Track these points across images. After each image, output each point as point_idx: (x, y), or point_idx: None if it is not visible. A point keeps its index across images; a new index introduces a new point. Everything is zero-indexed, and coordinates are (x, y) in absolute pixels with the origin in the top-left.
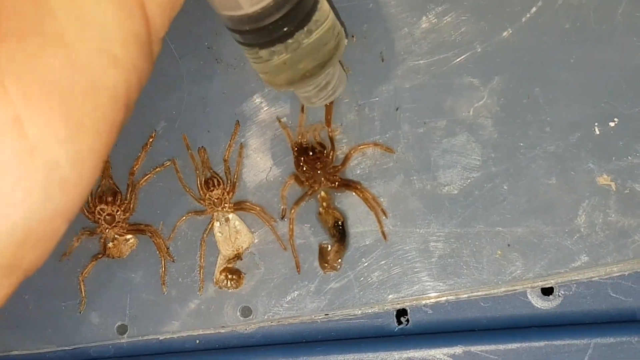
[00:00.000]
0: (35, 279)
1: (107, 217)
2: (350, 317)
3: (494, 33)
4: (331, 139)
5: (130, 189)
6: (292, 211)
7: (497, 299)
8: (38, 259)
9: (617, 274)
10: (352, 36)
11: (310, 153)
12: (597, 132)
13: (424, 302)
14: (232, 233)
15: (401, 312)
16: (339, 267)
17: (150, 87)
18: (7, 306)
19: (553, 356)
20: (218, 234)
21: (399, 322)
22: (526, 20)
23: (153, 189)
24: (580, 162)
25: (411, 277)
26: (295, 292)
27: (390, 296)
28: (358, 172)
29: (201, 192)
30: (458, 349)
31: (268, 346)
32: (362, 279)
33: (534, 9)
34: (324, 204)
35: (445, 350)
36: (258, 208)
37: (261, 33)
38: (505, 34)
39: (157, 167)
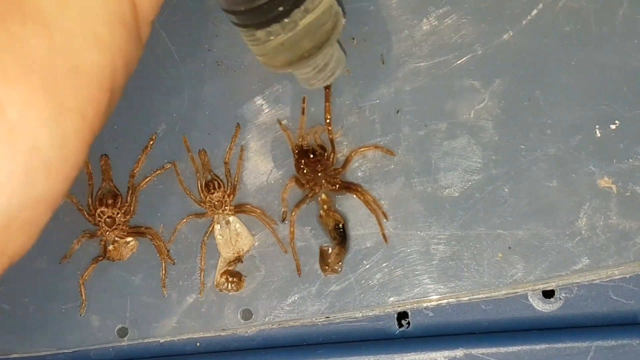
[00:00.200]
0: (36, 282)
1: (107, 219)
2: (351, 319)
3: (495, 35)
4: (332, 142)
5: (130, 192)
6: (293, 214)
7: (498, 301)
8: (22, 245)
9: (619, 277)
10: (353, 38)
11: (311, 155)
12: (598, 135)
13: (425, 304)
14: (232, 236)
15: (402, 315)
16: (339, 269)
17: (150, 89)
18: (8, 309)
19: (554, 359)
20: (219, 236)
21: (400, 325)
22: (527, 23)
23: (153, 191)
24: (581, 164)
25: (412, 280)
26: (296, 294)
27: (391, 299)
28: (359, 174)
29: (202, 194)
30: (459, 352)
31: (269, 349)
32: (363, 281)
33: (534, 12)
34: (325, 206)
35: (446, 353)
36: (259, 211)
37: (256, 13)
38: (505, 36)
39: (157, 170)
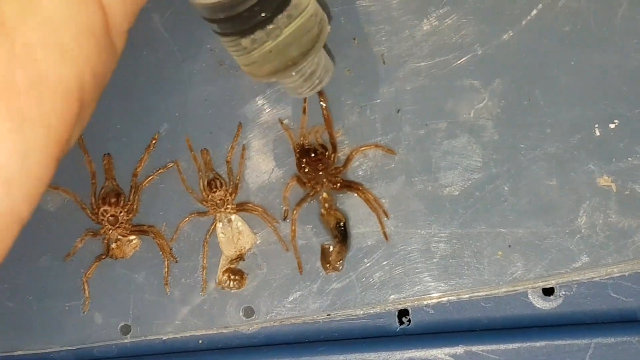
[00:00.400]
0: (39, 280)
1: (110, 218)
2: (352, 317)
3: (495, 35)
4: (332, 141)
5: (133, 191)
6: (294, 212)
7: (498, 299)
8: None
9: (618, 275)
10: (354, 38)
11: (312, 154)
12: (598, 134)
13: (425, 302)
14: (234, 234)
15: (403, 313)
16: (340, 267)
17: (153, 89)
18: (12, 306)
19: (554, 356)
20: (221, 234)
21: (401, 322)
22: (527, 23)
23: (156, 190)
24: (580, 163)
25: (413, 278)
26: (298, 292)
27: (392, 296)
28: (360, 173)
29: (204, 193)
30: (459, 349)
31: (270, 346)
32: (364, 279)
33: (534, 12)
34: (326, 205)
35: (447, 350)
36: (260, 209)
37: (238, 20)
38: (505, 36)
39: (160, 169)
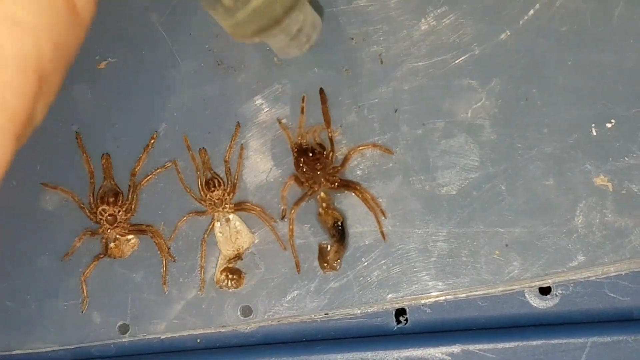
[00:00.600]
0: (38, 279)
1: (108, 217)
2: (350, 316)
3: (492, 35)
4: (331, 140)
5: (131, 190)
6: (292, 211)
7: (495, 298)
8: None
9: (614, 274)
10: (352, 38)
11: (310, 154)
12: (594, 134)
13: (422, 301)
14: (232, 233)
15: (400, 312)
16: (338, 267)
17: (151, 88)
18: (10, 306)
19: (551, 355)
20: (219, 234)
21: (398, 322)
22: (524, 23)
23: (154, 189)
24: (577, 163)
25: (410, 277)
26: (295, 291)
27: (389, 296)
28: (357, 172)
29: (202, 192)
30: (456, 348)
31: (268, 345)
32: (361, 278)
33: (531, 12)
34: (324, 204)
35: (444, 349)
36: (258, 208)
37: None
38: (503, 36)
39: (158, 168)
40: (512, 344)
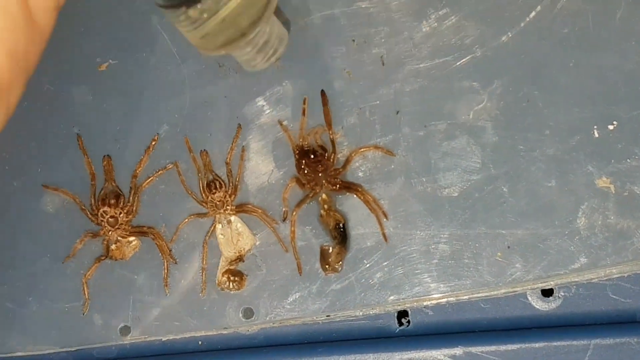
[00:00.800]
0: (39, 281)
1: (110, 219)
2: (352, 318)
3: (494, 37)
4: (332, 142)
5: (133, 192)
6: (294, 213)
7: (498, 300)
8: None
9: (617, 276)
10: (353, 40)
11: (312, 156)
12: (596, 135)
13: (424, 303)
14: (234, 235)
15: (402, 314)
16: (340, 268)
17: (152, 90)
18: (11, 308)
19: (553, 357)
20: (220, 236)
21: (400, 323)
22: (525, 25)
23: (156, 191)
24: (579, 164)
25: (412, 279)
26: (297, 293)
27: (391, 297)
28: (359, 174)
29: (203, 194)
30: (458, 350)
31: (270, 347)
32: (363, 280)
33: (533, 14)
34: (325, 206)
35: (446, 351)
36: (260, 210)
37: None
38: (504, 38)
39: (159, 170)
40: (514, 346)
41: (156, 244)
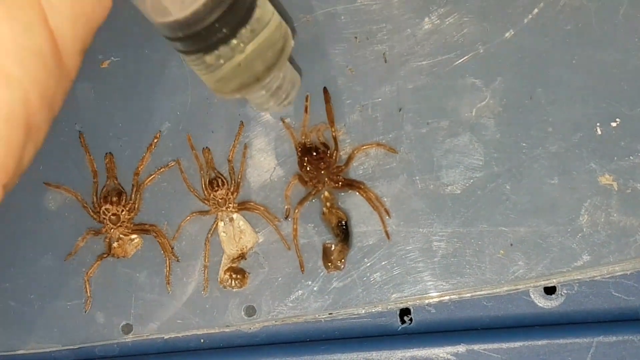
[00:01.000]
0: (41, 279)
1: (112, 217)
2: (354, 316)
3: (496, 34)
4: (335, 139)
5: (135, 189)
6: (296, 211)
7: (500, 298)
8: None
9: (620, 273)
10: (355, 37)
11: (314, 153)
12: (599, 132)
13: (427, 301)
14: (236, 233)
15: (404, 311)
16: (342, 266)
17: (154, 88)
18: (13, 305)
19: (555, 355)
20: (222, 233)
21: (402, 321)
22: (528, 22)
23: (158, 189)
24: (582, 162)
25: (414, 277)
26: (299, 291)
27: (393, 295)
28: (361, 172)
29: (205, 192)
30: (461, 348)
31: (272, 345)
32: (365, 278)
33: (535, 10)
34: (328, 203)
35: (449, 349)
36: (262, 208)
37: (200, 38)
38: (507, 35)
39: (161, 168)
40: (517, 344)
41: (158, 241)
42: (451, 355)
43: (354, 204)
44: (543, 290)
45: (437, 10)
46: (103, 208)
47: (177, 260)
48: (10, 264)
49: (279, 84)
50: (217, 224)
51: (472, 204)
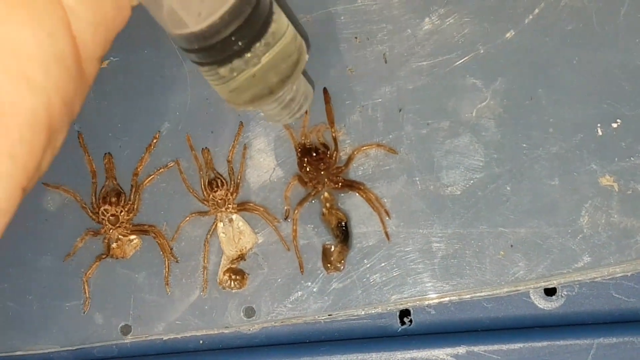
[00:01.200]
0: (40, 279)
1: (111, 217)
2: (354, 317)
3: (497, 34)
4: (334, 140)
5: (134, 190)
6: (296, 212)
7: (500, 299)
8: None
9: (620, 275)
10: (356, 37)
11: (314, 154)
12: (600, 133)
13: (426, 302)
14: (235, 234)
15: (404, 313)
16: (342, 267)
17: (154, 88)
18: (12, 306)
19: (556, 356)
20: (222, 234)
21: (402, 323)
22: (529, 22)
23: (157, 189)
24: (583, 163)
25: (414, 278)
26: (299, 292)
27: (393, 296)
28: (361, 173)
29: (205, 192)
30: (461, 349)
31: (271, 346)
32: (365, 279)
33: (536, 11)
34: (328, 204)
35: (448, 350)
36: (262, 209)
37: (215, 50)
38: (508, 35)
39: (160, 168)
40: (517, 345)
41: (157, 242)
42: (451, 356)
43: (353, 204)
44: (543, 292)
45: (437, 10)
46: (102, 209)
47: (176, 261)
48: (9, 265)
49: (292, 97)
50: (216, 224)
51: (473, 205)
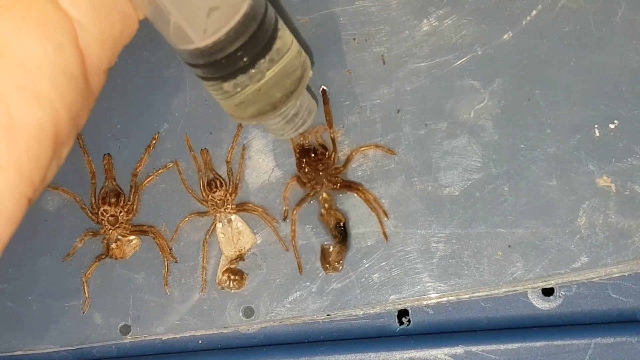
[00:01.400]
0: (39, 280)
1: (110, 218)
2: (352, 317)
3: (495, 36)
4: (333, 141)
5: (133, 191)
6: (294, 212)
7: (498, 299)
8: None
9: (617, 275)
10: (354, 39)
11: (312, 155)
12: (597, 134)
13: (425, 302)
14: (234, 234)
15: (402, 313)
16: (340, 267)
17: (153, 89)
18: (11, 306)
19: (553, 356)
20: (220, 235)
21: (401, 323)
22: (526, 23)
23: (156, 190)
24: (580, 163)
25: (412, 278)
26: (297, 292)
27: (391, 297)
28: (359, 173)
29: (204, 193)
30: (459, 349)
31: (270, 346)
32: (363, 279)
33: (534, 12)
34: (326, 205)
35: (447, 350)
36: (260, 209)
37: (220, 65)
38: (505, 36)
39: (159, 169)
40: (514, 345)
41: (156, 242)
42: (449, 356)
43: (352, 205)
44: (541, 292)
45: (435, 12)
46: (101, 209)
47: (175, 262)
48: (8, 265)
49: (295, 111)
50: (215, 225)
51: (471, 206)
